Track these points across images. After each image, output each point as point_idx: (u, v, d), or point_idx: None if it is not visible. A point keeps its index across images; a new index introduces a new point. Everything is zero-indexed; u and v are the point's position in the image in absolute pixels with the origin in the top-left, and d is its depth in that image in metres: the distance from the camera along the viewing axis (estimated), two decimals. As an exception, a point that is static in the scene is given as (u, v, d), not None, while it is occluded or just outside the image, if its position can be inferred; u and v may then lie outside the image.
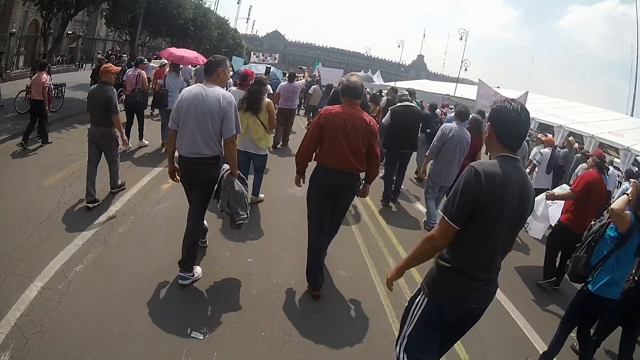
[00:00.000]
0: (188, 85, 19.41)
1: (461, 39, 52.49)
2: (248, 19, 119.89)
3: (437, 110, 18.19)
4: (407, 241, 8.51)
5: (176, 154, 5.77)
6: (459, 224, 3.07)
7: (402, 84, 62.00)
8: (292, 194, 9.71)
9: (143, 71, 13.21)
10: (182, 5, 39.89)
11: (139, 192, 8.88)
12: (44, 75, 11.89)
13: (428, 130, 12.70)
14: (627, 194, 5.08)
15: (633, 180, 6.01)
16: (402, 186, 11.41)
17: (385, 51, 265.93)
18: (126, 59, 27.06)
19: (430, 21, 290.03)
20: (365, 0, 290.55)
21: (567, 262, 5.69)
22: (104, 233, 7.01)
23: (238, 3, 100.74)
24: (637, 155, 25.39)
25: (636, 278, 5.65)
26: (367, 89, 18.88)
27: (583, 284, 5.31)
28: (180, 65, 14.66)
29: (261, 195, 9.06)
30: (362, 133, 5.60)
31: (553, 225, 8.62)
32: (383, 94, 18.16)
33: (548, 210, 8.70)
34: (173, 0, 38.03)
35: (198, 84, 5.71)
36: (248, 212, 5.87)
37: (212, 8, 58.15)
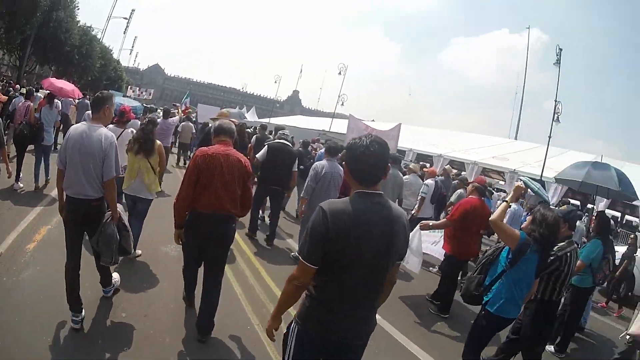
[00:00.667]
0: (64, 119, 18.93)
1: (340, 73, 52.84)
2: (132, 50, 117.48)
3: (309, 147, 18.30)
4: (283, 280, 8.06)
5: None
6: (314, 263, 3.01)
7: (277, 120, 62.44)
8: (167, 253, 8.74)
9: (31, 103, 12.21)
10: (70, 30, 39.47)
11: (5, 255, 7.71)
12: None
13: (301, 167, 12.59)
14: (506, 201, 5.37)
15: (517, 183, 6.07)
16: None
17: (262, 87, 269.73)
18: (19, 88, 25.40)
19: (308, 57, 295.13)
20: (245, 37, 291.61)
21: (460, 283, 5.83)
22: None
23: (124, 32, 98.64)
24: (521, 177, 25.92)
25: (538, 296, 5.78)
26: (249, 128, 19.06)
27: (480, 305, 5.32)
28: (59, 98, 14.03)
29: (138, 251, 8.25)
30: (238, 174, 5.55)
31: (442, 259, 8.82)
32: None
33: (422, 244, 8.78)
34: (63, 24, 37.50)
35: (84, 122, 5.58)
36: (113, 259, 5.65)
37: (99, 36, 57.31)
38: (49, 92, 13.59)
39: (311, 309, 3.17)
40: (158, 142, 7.98)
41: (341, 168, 9.12)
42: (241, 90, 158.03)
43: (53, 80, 16.05)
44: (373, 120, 38.23)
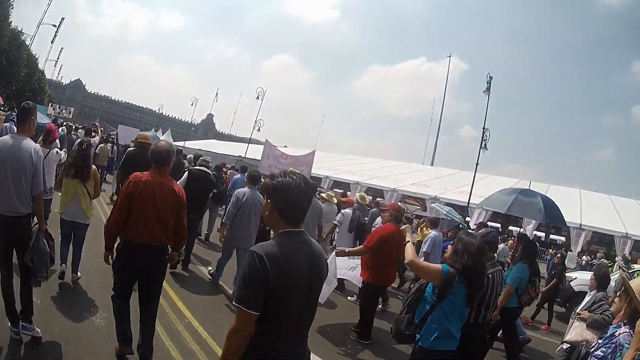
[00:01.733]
0: None
1: (257, 98, 52.61)
2: (57, 61, 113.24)
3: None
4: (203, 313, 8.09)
5: None
6: (256, 309, 2.91)
7: (191, 144, 61.72)
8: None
9: None
10: (1, 31, 36.29)
11: None
12: None
13: (215, 191, 12.60)
14: (408, 241, 5.26)
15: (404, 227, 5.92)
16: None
17: (178, 109, 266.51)
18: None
19: (225, 80, 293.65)
20: (165, 56, 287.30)
21: (391, 326, 5.58)
22: None
23: (52, 42, 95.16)
24: (432, 204, 26.60)
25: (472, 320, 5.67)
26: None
27: (413, 343, 5.07)
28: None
29: (78, 274, 8.00)
30: (172, 204, 5.41)
31: (360, 286, 8.88)
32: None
33: (338, 271, 8.88)
34: None
35: (10, 134, 5.48)
36: (47, 272, 5.65)
37: (28, 42, 53.88)
38: None
39: (250, 354, 3.03)
40: (93, 167, 7.93)
41: (261, 196, 9.33)
42: (157, 111, 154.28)
43: None
44: (285, 146, 38.49)
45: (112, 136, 26.35)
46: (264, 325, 2.97)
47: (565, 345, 7.36)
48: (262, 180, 12.03)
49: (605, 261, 20.65)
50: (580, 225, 25.94)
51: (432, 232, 12.21)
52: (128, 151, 12.41)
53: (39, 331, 5.58)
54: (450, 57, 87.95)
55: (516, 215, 12.43)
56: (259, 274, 2.85)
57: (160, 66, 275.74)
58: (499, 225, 24.98)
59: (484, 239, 5.55)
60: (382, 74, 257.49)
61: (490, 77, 28.61)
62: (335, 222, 11.83)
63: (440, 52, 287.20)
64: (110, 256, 5.56)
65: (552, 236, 43.09)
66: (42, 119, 21.25)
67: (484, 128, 28.31)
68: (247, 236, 9.40)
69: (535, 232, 30.01)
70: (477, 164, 27.77)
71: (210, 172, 11.46)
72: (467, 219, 24.35)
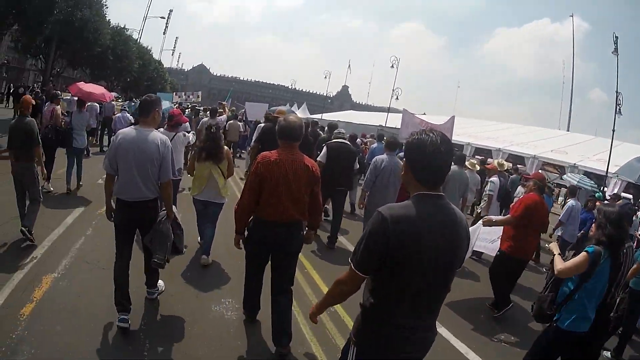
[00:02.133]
0: (108, 122, 20.04)
1: (392, 66, 51.85)
2: (174, 51, 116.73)
3: (358, 140, 18.36)
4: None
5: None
6: (365, 272, 2.81)
7: (328, 116, 61.71)
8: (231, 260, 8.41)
9: (58, 106, 12.47)
10: (99, 29, 37.19)
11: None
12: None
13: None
14: (558, 253, 5.07)
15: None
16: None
17: (310, 83, 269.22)
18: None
19: (355, 52, 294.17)
20: (290, 34, 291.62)
21: (532, 304, 5.43)
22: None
23: (164, 34, 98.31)
24: (584, 171, 25.43)
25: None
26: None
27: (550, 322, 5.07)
28: (100, 103, 14.79)
29: (210, 259, 8.11)
30: (305, 180, 5.22)
31: (494, 256, 8.30)
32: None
33: (477, 242, 8.61)
34: (89, 24, 35.00)
35: (133, 126, 5.69)
36: (166, 257, 5.64)
37: (135, 36, 55.70)
38: (78, 98, 13.66)
39: (368, 327, 2.92)
40: (225, 147, 8.05)
41: (400, 162, 9.19)
42: (290, 87, 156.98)
43: (81, 84, 16.28)
44: (424, 114, 37.61)
45: (240, 114, 26.22)
46: (383, 295, 2.82)
47: None
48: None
49: None
50: None
51: (570, 201, 11.84)
52: (263, 125, 12.31)
53: (163, 287, 6.22)
54: (572, 16, 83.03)
55: None
56: (377, 235, 2.69)
57: (286, 43, 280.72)
58: (630, 196, 23.21)
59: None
60: (509, 37, 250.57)
61: (616, 37, 26.78)
62: (490, 193, 11.52)
63: (560, 12, 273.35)
64: (240, 240, 5.53)
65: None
66: (167, 105, 21.82)
67: (617, 92, 26.66)
68: (386, 202, 8.57)
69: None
70: (613, 131, 27.25)
71: (348, 142, 11.16)
72: (605, 189, 23.01)
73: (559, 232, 11.95)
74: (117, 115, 17.67)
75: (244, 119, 23.73)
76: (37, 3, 19.92)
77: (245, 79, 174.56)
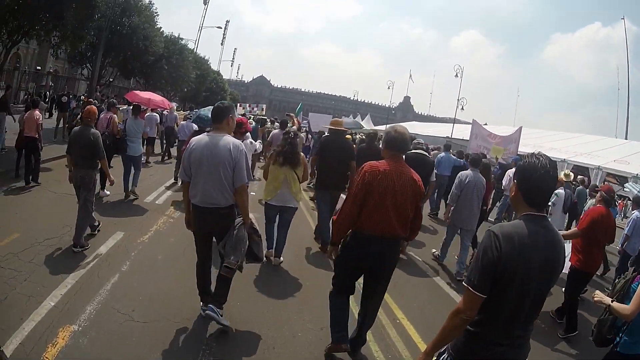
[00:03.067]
0: (169, 132, 20.45)
1: (456, 75, 51.56)
2: (232, 61, 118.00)
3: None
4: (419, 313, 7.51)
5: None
6: (484, 292, 2.85)
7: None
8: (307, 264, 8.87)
9: (115, 115, 12.75)
10: (149, 37, 36.43)
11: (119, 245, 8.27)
12: (37, 112, 12.33)
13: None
14: (609, 302, 4.58)
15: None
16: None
17: (372, 93, 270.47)
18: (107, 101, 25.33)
19: (416, 61, 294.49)
20: (350, 43, 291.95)
21: (592, 328, 5.21)
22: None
23: (222, 44, 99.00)
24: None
25: None
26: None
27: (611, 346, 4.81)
28: (159, 112, 15.40)
29: (281, 258, 8.47)
30: (411, 195, 5.04)
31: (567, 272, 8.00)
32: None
33: None
34: (139, 31, 34.58)
35: (206, 133, 5.84)
36: (240, 262, 5.67)
37: (191, 46, 55.51)
38: (134, 104, 14.21)
39: (468, 343, 3.01)
40: (301, 153, 8.29)
41: (483, 178, 9.88)
42: (352, 98, 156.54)
43: (138, 92, 17.17)
44: (485, 124, 37.41)
45: (304, 125, 26.24)
46: (486, 311, 2.90)
47: None
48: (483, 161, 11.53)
49: None
50: None
51: (635, 213, 11.29)
52: (324, 138, 12.33)
53: (227, 324, 5.66)
54: (624, 19, 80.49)
55: None
56: (491, 253, 2.82)
57: (346, 53, 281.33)
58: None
59: None
60: (565, 43, 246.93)
61: None
62: (549, 204, 11.31)
63: (611, 15, 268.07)
64: (334, 251, 5.38)
65: None
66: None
67: None
68: (470, 218, 9.75)
69: None
70: None
71: (426, 153, 11.45)
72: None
73: (619, 245, 11.36)
74: (182, 123, 17.86)
75: (307, 129, 23.87)
76: (76, 8, 19.52)
77: (306, 90, 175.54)
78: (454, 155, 17.33)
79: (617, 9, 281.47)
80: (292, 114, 27.85)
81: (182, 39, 49.42)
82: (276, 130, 16.20)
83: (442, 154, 16.34)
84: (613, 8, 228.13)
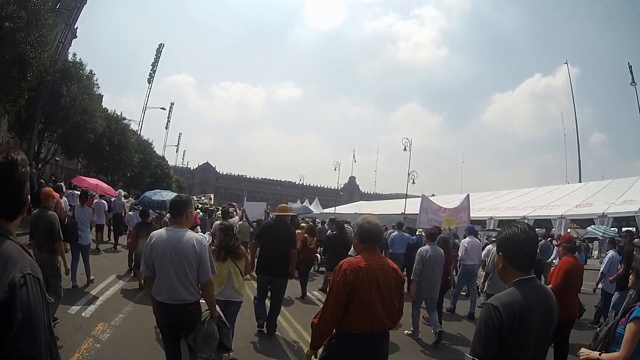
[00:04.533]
0: (117, 219, 20.09)
1: (405, 149, 51.91)
2: (178, 147, 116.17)
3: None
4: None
5: None
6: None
7: (341, 209, 61.67)
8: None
9: (62, 200, 12.74)
10: (89, 111, 32.37)
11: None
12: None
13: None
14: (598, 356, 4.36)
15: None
16: None
17: (318, 176, 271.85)
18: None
19: (358, 140, 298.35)
20: (292, 127, 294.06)
21: None
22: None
23: (166, 128, 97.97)
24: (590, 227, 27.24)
25: None
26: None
27: None
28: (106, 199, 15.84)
29: (232, 352, 7.74)
30: (395, 285, 4.78)
31: None
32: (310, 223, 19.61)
33: None
34: (77, 102, 30.59)
35: (167, 227, 5.85)
36: (211, 355, 5.58)
37: (134, 127, 54.71)
38: (82, 190, 14.50)
39: None
40: (242, 247, 8.10)
41: (442, 250, 10.59)
42: (298, 182, 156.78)
43: (85, 177, 17.65)
44: (433, 195, 37.87)
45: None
46: None
47: None
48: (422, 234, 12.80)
49: None
50: None
51: (610, 252, 12.31)
52: (263, 222, 12.64)
53: None
54: (567, 63, 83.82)
55: None
56: (492, 324, 2.97)
57: (289, 137, 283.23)
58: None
59: None
60: (505, 102, 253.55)
61: (630, 65, 27.16)
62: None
63: (550, 64, 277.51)
64: (314, 355, 5.03)
65: None
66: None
67: None
68: (434, 288, 10.31)
69: None
70: None
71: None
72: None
73: (600, 285, 12.31)
74: (129, 213, 18.26)
75: (244, 218, 22.94)
76: (4, 64, 18.11)
77: (252, 177, 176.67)
78: (406, 232, 17.52)
79: (556, 55, 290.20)
80: (234, 204, 28.57)
81: (124, 118, 48.36)
82: (217, 222, 16.03)
83: (395, 232, 16.77)
84: (551, 56, 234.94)
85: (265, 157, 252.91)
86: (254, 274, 11.38)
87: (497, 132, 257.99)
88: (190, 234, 5.45)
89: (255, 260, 10.44)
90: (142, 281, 11.20)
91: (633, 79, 28.75)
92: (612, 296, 11.08)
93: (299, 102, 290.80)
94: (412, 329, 10.36)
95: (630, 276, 4.74)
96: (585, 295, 11.83)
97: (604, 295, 11.78)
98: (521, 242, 3.15)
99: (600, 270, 11.97)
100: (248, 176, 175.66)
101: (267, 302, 9.58)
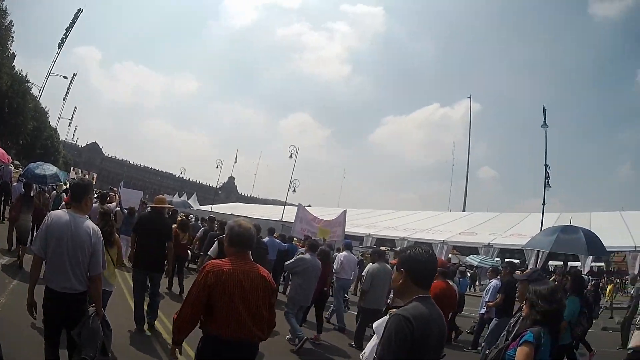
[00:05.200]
0: (5, 188, 19.02)
1: (291, 157, 52.12)
2: (71, 121, 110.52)
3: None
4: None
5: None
6: None
7: (218, 207, 61.13)
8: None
9: None
10: None
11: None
12: None
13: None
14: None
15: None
16: None
17: (200, 172, 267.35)
18: None
19: (242, 142, 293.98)
20: (183, 120, 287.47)
21: None
22: None
23: (64, 99, 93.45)
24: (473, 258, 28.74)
25: None
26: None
27: None
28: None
29: None
30: (263, 293, 4.75)
31: None
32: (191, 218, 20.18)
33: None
34: None
35: (65, 210, 5.68)
36: (96, 355, 5.38)
37: (35, 92, 50.84)
38: None
39: None
40: (116, 235, 7.97)
41: (319, 262, 11.04)
42: (179, 175, 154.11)
43: None
44: (309, 205, 38.13)
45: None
46: None
47: (629, 351, 8.07)
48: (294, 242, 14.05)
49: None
50: (635, 247, 25.95)
51: (493, 281, 12.79)
52: (141, 214, 12.80)
53: None
54: (470, 97, 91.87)
55: (561, 250, 13.90)
56: (405, 335, 3.12)
57: (178, 130, 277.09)
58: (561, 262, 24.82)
59: (530, 278, 6.20)
60: (397, 125, 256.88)
61: (544, 108, 28.71)
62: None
63: (451, 96, 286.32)
64: (178, 349, 5.04)
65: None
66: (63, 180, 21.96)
67: (545, 164, 28.26)
68: (309, 296, 10.87)
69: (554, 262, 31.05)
70: (543, 204, 29.74)
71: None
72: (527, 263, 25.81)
73: (481, 310, 12.77)
74: (14, 184, 17.85)
75: (118, 205, 22.76)
76: None
77: (135, 163, 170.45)
78: (278, 239, 17.84)
79: (459, 89, 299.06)
80: (115, 189, 27.87)
81: (28, 80, 44.13)
82: (96, 204, 15.09)
83: (267, 238, 16.67)
84: (454, 88, 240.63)
85: (152, 146, 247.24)
86: (129, 265, 11.20)
87: (382, 153, 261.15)
88: (88, 222, 5.35)
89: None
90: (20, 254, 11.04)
91: (545, 121, 30.03)
92: (488, 321, 11.91)
93: (194, 96, 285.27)
94: (291, 336, 10.49)
95: (524, 307, 5.08)
96: (465, 319, 13.58)
97: (483, 319, 12.60)
98: (425, 261, 3.45)
99: (483, 299, 12.67)
100: (131, 162, 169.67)
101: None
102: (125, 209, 19.66)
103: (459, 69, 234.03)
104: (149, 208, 13.34)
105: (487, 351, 5.56)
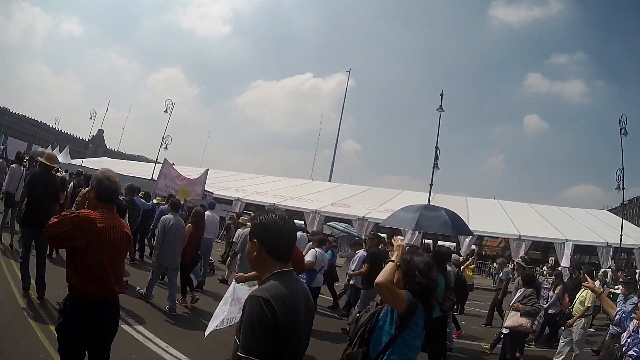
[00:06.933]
0: None
1: (166, 111, 50.57)
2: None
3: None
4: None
5: None
6: (269, 357, 2.79)
7: (87, 162, 59.37)
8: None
9: None
10: None
11: None
12: None
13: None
14: (394, 260, 4.66)
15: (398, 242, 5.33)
16: None
17: (73, 123, 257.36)
18: None
19: (114, 93, 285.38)
20: (58, 66, 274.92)
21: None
22: None
23: None
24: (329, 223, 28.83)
25: None
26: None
27: None
28: None
29: None
30: (124, 250, 4.70)
31: None
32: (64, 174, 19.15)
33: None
34: None
35: None
36: None
37: None
38: None
39: None
40: None
41: (183, 222, 11.13)
42: (52, 126, 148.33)
43: None
44: (173, 164, 37.43)
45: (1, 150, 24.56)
46: None
47: (504, 330, 9.36)
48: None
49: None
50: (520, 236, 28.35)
51: (360, 252, 12.91)
52: (32, 171, 11.43)
53: None
54: (349, 71, 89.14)
55: (425, 231, 14.29)
56: (267, 319, 2.77)
57: (56, 76, 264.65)
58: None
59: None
60: (265, 90, 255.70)
61: (442, 94, 29.33)
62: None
63: (326, 69, 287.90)
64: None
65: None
66: None
67: (436, 147, 29.25)
68: (175, 257, 10.62)
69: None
70: (431, 185, 30.32)
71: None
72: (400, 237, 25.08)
73: (352, 281, 12.85)
74: None
75: (3, 155, 22.18)
76: None
77: (12, 110, 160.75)
78: (142, 198, 17.18)
79: (334, 63, 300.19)
80: None
81: None
82: None
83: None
84: (329, 62, 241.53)
85: (32, 93, 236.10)
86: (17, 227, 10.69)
87: (246, 117, 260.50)
88: None
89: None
90: None
91: (441, 105, 30.39)
92: (360, 291, 11.94)
93: (78, 40, 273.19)
94: (145, 290, 10.59)
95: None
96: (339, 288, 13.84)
97: (353, 289, 12.70)
98: (281, 230, 2.99)
99: (351, 268, 12.66)
100: (11, 110, 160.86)
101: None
102: (10, 159, 19.22)
103: (339, 44, 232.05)
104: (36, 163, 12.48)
105: (357, 313, 5.38)
